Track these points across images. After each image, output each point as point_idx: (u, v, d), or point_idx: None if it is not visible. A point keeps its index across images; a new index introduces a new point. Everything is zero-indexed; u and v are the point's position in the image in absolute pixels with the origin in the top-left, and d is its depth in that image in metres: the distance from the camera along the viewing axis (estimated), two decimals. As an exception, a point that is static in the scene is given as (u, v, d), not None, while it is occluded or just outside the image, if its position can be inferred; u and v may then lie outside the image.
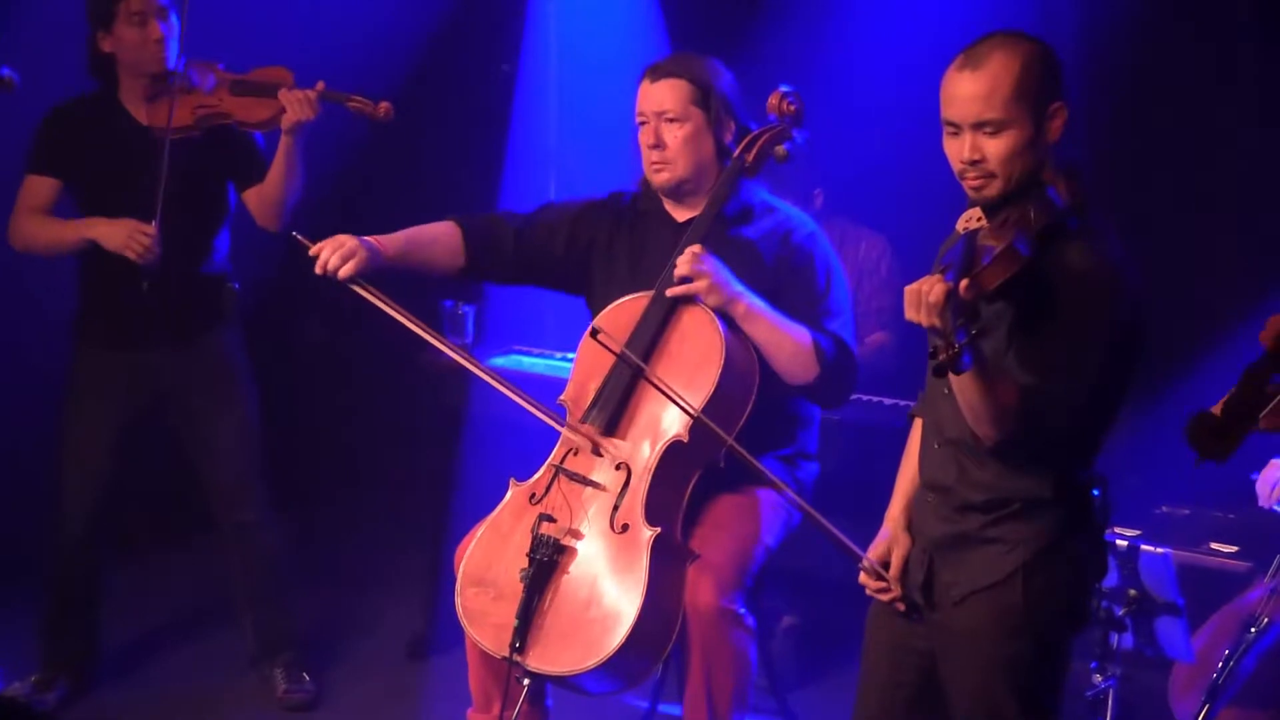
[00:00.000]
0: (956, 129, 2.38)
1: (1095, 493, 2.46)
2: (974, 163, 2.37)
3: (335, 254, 3.08)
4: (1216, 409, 1.80)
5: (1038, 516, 2.41)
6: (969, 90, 2.35)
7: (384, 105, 3.66)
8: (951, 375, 2.25)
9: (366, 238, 3.15)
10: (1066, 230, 2.34)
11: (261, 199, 3.81)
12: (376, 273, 3.13)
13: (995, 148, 2.35)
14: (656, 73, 3.22)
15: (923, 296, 2.20)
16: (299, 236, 3.17)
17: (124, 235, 3.63)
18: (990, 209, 2.39)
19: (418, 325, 3.08)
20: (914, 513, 2.60)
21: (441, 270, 3.31)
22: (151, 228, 3.62)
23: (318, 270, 3.10)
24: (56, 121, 3.77)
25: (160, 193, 3.61)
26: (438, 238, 3.30)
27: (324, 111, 3.66)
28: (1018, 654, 2.43)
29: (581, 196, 3.43)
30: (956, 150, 2.39)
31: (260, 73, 3.72)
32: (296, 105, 3.62)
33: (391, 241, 3.20)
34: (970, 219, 2.41)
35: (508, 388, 3.08)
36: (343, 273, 3.08)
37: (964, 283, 2.21)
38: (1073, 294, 2.30)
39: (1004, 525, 2.42)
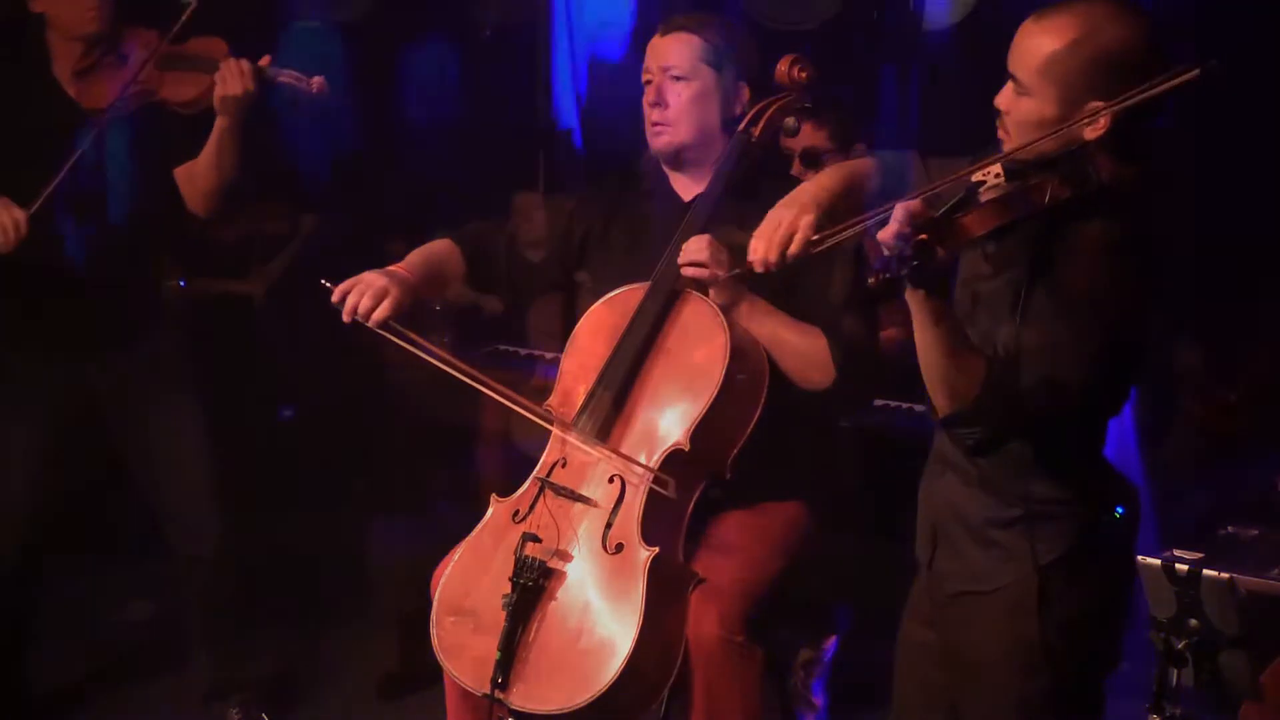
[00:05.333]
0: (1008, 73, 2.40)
1: (1120, 510, 2.44)
2: (1001, 112, 2.39)
3: (365, 296, 3.01)
4: None
5: (1040, 527, 2.41)
6: (1018, 40, 2.36)
7: (317, 80, 3.60)
8: (917, 331, 2.29)
9: (391, 269, 3.06)
10: (1093, 205, 2.31)
11: (191, 180, 3.76)
12: (407, 310, 3.03)
13: (1018, 109, 2.37)
14: (669, 26, 3.23)
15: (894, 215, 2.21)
16: (327, 283, 3.04)
17: None
18: (1013, 173, 2.36)
19: (467, 372, 2.99)
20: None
21: (448, 295, 3.26)
22: (22, 213, 3.48)
23: (346, 318, 3.01)
24: None
25: (56, 180, 3.51)
26: (445, 257, 3.25)
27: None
28: (1037, 694, 2.44)
29: (573, 191, 3.41)
30: None
31: (194, 44, 3.67)
32: (229, 78, 3.57)
33: (413, 269, 3.13)
34: (989, 173, 2.37)
35: (508, 396, 3.03)
36: (374, 318, 3.00)
37: (940, 215, 2.23)
38: (1076, 271, 2.30)
39: (1005, 530, 2.43)
